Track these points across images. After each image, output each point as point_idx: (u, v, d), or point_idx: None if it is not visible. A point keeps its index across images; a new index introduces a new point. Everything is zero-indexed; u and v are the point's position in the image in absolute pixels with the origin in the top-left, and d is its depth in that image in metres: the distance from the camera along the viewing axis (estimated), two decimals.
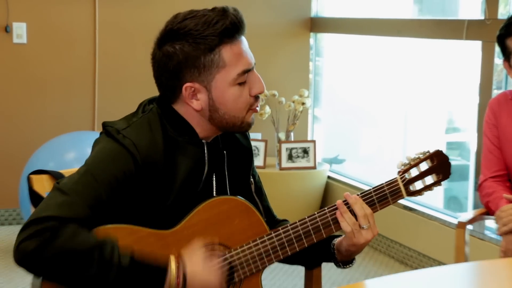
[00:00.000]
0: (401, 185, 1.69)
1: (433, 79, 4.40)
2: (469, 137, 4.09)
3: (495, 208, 2.41)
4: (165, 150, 1.59)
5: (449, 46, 4.15)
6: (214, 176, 1.68)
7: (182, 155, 1.61)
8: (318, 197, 4.54)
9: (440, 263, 3.71)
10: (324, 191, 4.59)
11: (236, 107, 1.63)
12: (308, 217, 1.66)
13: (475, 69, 3.61)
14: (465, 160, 4.24)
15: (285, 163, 4.47)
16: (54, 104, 4.47)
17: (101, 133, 1.65)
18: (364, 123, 4.99)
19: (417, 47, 4.40)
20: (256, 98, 1.65)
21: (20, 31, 4.37)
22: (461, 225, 2.38)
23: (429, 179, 1.72)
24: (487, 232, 3.47)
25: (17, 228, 4.34)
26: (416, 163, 1.71)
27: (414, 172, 1.70)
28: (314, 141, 4.56)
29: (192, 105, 1.62)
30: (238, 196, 1.66)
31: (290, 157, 4.49)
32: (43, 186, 1.84)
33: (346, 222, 1.65)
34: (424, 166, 1.71)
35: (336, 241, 1.74)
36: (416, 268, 3.89)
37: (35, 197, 1.73)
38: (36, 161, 3.68)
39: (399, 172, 1.71)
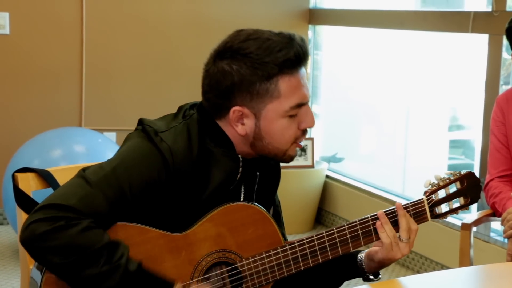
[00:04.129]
0: (426, 207, 1.69)
1: (437, 74, 4.41)
2: (473, 135, 4.10)
3: (501, 210, 2.42)
4: (199, 161, 1.59)
5: (454, 40, 4.15)
6: (242, 189, 1.68)
7: (216, 167, 1.62)
8: (316, 197, 4.55)
9: (443, 266, 3.72)
10: (322, 190, 4.59)
11: (282, 139, 1.62)
12: (325, 232, 1.66)
13: (481, 64, 3.61)
14: (469, 159, 4.25)
15: None
16: (39, 99, 4.46)
17: (136, 128, 1.65)
18: (364, 120, 4.99)
19: (421, 41, 4.40)
20: (304, 131, 1.64)
21: (2, 21, 4.36)
22: (466, 227, 2.39)
23: (456, 202, 1.71)
24: (492, 234, 3.48)
25: (0, 229, 4.33)
26: (445, 184, 1.69)
27: (441, 193, 1.69)
28: (312, 139, 4.57)
29: (237, 128, 1.62)
30: (255, 204, 1.66)
31: None
32: (29, 184, 1.84)
33: (386, 233, 1.65)
34: (452, 187, 1.70)
35: (365, 252, 1.74)
36: (418, 272, 3.90)
37: (20, 196, 1.73)
38: (20, 159, 3.66)
39: (425, 192, 1.70)
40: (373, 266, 1.72)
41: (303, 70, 1.62)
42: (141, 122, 1.64)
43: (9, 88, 4.42)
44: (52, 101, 4.48)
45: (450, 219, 3.74)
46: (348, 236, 1.65)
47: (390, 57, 4.67)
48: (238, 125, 1.62)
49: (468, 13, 3.61)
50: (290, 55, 1.57)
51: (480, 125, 3.61)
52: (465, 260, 2.38)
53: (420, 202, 1.69)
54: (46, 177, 1.81)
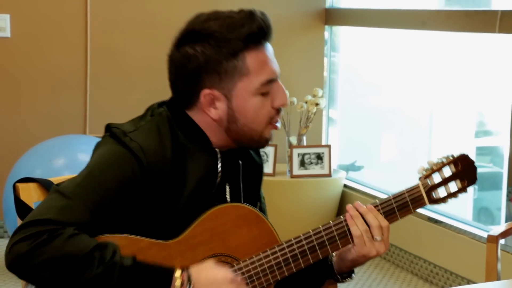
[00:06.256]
0: (423, 191, 1.72)
1: (462, 77, 4.40)
2: (502, 141, 4.08)
3: None
4: (174, 157, 1.62)
5: (480, 40, 4.14)
6: (227, 186, 1.71)
7: (193, 163, 1.64)
8: (333, 208, 4.55)
9: (469, 281, 3.71)
10: (340, 201, 4.59)
11: (257, 119, 1.66)
12: (322, 226, 1.69)
13: (509, 66, 3.61)
14: (498, 167, 4.23)
15: (296, 170, 4.47)
16: (41, 105, 4.49)
17: (104, 136, 1.68)
18: (385, 126, 4.99)
19: (444, 42, 4.40)
20: (278, 111, 1.68)
21: (3, 24, 4.40)
22: (492, 239, 2.38)
23: (453, 186, 1.74)
24: None
25: (0, 242, 4.36)
26: (438, 167, 1.74)
27: (436, 178, 1.73)
28: (329, 146, 4.57)
29: (210, 113, 1.65)
30: (246, 204, 1.69)
31: (302, 163, 4.49)
32: (31, 195, 1.86)
33: (356, 226, 1.67)
34: (447, 171, 1.74)
35: (337, 252, 1.77)
36: (442, 287, 3.88)
37: (21, 208, 1.75)
38: (21, 169, 3.69)
39: (420, 178, 1.74)
40: (345, 266, 1.76)
41: (268, 45, 1.68)
42: (108, 126, 1.67)
43: (10, 94, 4.46)
44: (55, 107, 4.51)
45: (476, 231, 3.73)
46: (346, 229, 1.68)
47: (412, 59, 4.66)
48: (210, 110, 1.65)
49: (495, 12, 3.60)
50: (253, 28, 1.62)
51: (508, 131, 3.60)
52: (491, 275, 2.37)
53: (415, 187, 1.72)
54: (48, 188, 1.82)
